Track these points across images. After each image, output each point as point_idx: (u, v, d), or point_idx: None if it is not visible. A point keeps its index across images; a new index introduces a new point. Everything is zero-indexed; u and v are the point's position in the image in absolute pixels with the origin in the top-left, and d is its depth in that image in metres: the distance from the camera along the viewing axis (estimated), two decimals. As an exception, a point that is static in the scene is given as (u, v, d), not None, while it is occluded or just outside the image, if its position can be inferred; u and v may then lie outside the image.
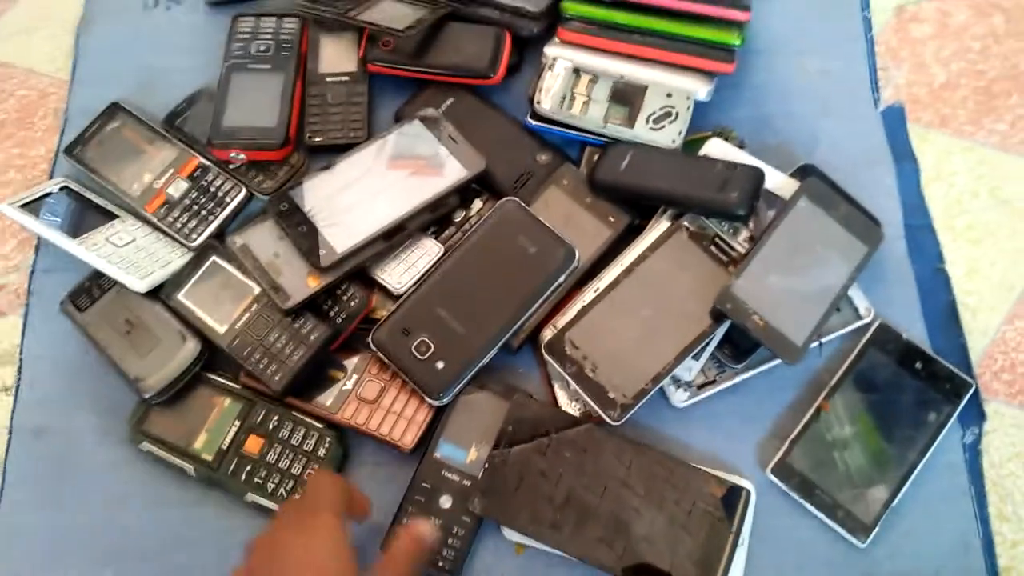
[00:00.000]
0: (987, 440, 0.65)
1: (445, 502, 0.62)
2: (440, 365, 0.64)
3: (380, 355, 0.65)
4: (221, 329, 0.66)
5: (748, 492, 0.61)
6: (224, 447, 0.64)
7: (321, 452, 0.64)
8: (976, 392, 0.65)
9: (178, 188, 0.72)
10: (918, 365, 0.65)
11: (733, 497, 0.60)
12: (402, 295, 0.67)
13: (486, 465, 0.61)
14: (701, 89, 0.73)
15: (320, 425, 0.65)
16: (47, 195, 0.71)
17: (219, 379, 0.67)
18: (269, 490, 0.63)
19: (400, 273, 0.68)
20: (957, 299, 0.69)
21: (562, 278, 0.66)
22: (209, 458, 0.64)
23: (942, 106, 0.77)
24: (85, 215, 0.71)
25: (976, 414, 0.66)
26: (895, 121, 0.76)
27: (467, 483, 0.62)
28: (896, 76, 0.79)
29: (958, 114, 0.77)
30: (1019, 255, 0.71)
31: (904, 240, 0.71)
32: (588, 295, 0.66)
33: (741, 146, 0.72)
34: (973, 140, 0.76)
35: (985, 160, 0.75)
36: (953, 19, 0.81)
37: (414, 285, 0.67)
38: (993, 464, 0.64)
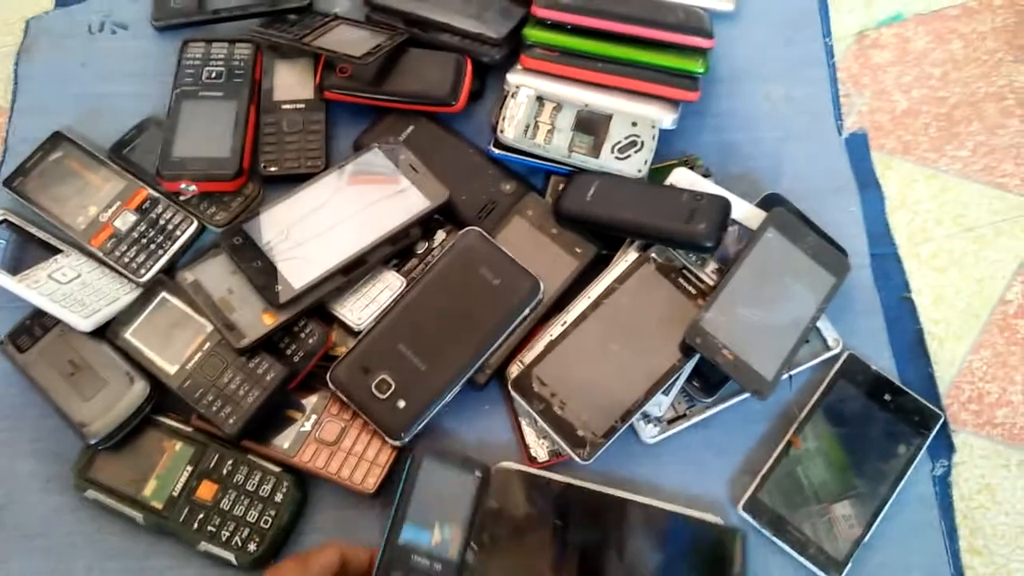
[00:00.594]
0: (956, 472, 0.65)
1: None
2: (401, 404, 0.61)
3: (339, 394, 0.62)
4: (171, 369, 0.63)
5: (744, 535, 0.60)
6: (175, 494, 0.61)
7: (278, 497, 0.61)
8: (945, 423, 0.65)
9: (125, 221, 0.69)
10: (887, 397, 0.65)
11: (729, 540, 0.59)
12: (362, 331, 0.64)
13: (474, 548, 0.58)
14: (666, 117, 0.72)
15: (277, 469, 0.62)
16: (-15, 229, 0.68)
17: (169, 422, 0.64)
18: (223, 539, 0.60)
19: (360, 308, 0.66)
20: (924, 328, 0.69)
21: (527, 311, 0.64)
22: (159, 506, 0.61)
23: (904, 133, 0.77)
24: (26, 250, 0.68)
25: (945, 446, 0.65)
26: (859, 148, 0.76)
27: (437, 566, 0.57)
28: (858, 103, 0.79)
29: (920, 141, 0.77)
30: (983, 283, 0.71)
31: (870, 268, 0.71)
32: (555, 329, 0.64)
33: (707, 174, 0.71)
34: (936, 167, 0.76)
35: (948, 187, 0.75)
36: (912, 45, 0.81)
37: (375, 320, 0.65)
38: (963, 496, 0.64)
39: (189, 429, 0.63)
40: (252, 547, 0.60)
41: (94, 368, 0.63)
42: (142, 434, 0.63)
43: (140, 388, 0.62)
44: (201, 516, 0.61)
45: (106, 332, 0.64)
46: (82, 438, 0.61)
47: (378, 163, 0.70)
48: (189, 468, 0.62)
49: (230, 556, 0.60)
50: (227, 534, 0.60)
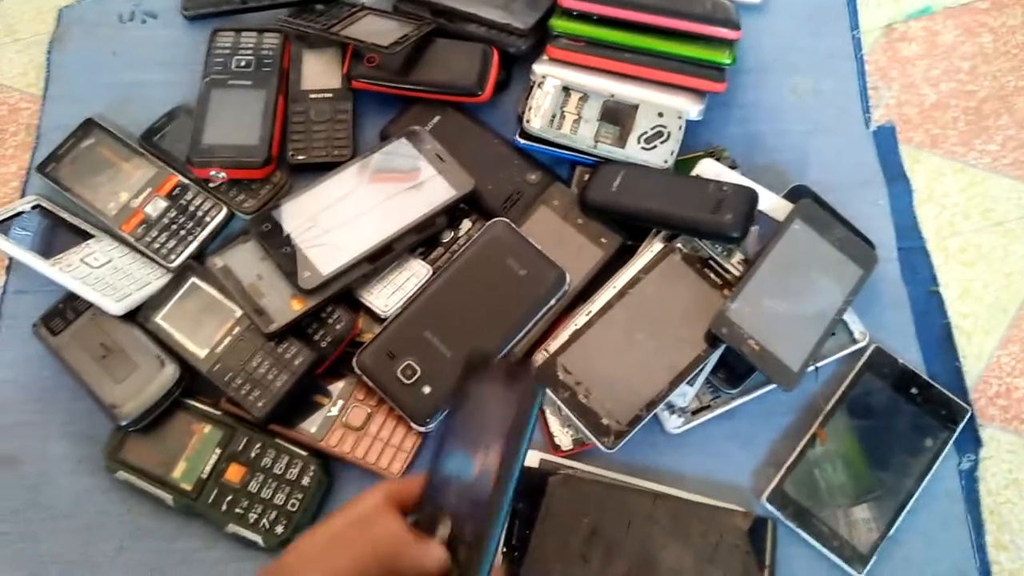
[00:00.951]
0: (983, 467, 0.64)
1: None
2: (427, 390, 0.62)
3: (365, 379, 0.63)
4: (201, 353, 0.63)
5: (775, 524, 0.60)
6: (204, 476, 0.62)
7: (305, 481, 0.62)
8: (972, 418, 0.65)
9: (156, 207, 0.70)
10: (914, 390, 0.65)
11: (760, 529, 0.59)
12: (388, 318, 0.65)
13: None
14: (692, 108, 0.72)
15: (304, 453, 0.62)
16: (19, 214, 0.69)
17: (199, 405, 0.64)
18: (251, 521, 0.61)
19: (387, 295, 0.66)
20: (952, 322, 0.69)
21: (552, 301, 0.65)
22: (188, 488, 0.62)
23: (932, 126, 0.77)
24: (58, 235, 0.69)
25: (972, 440, 0.65)
26: (887, 141, 0.76)
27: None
28: (886, 96, 0.78)
29: (949, 135, 0.76)
30: (1012, 277, 0.70)
31: (897, 262, 0.71)
32: (580, 319, 0.64)
33: (733, 166, 0.71)
34: (964, 161, 0.75)
35: (976, 181, 0.74)
36: (941, 38, 0.81)
37: (401, 307, 0.65)
38: (990, 491, 0.64)
39: (218, 413, 0.64)
40: (279, 529, 0.60)
41: (126, 351, 0.64)
42: (172, 417, 0.64)
43: (171, 371, 0.63)
44: (229, 498, 0.61)
45: (137, 316, 0.65)
46: (113, 420, 0.62)
47: (405, 152, 0.70)
48: (218, 451, 0.63)
49: (257, 538, 0.60)
50: (255, 516, 0.61)
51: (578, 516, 0.59)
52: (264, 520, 0.61)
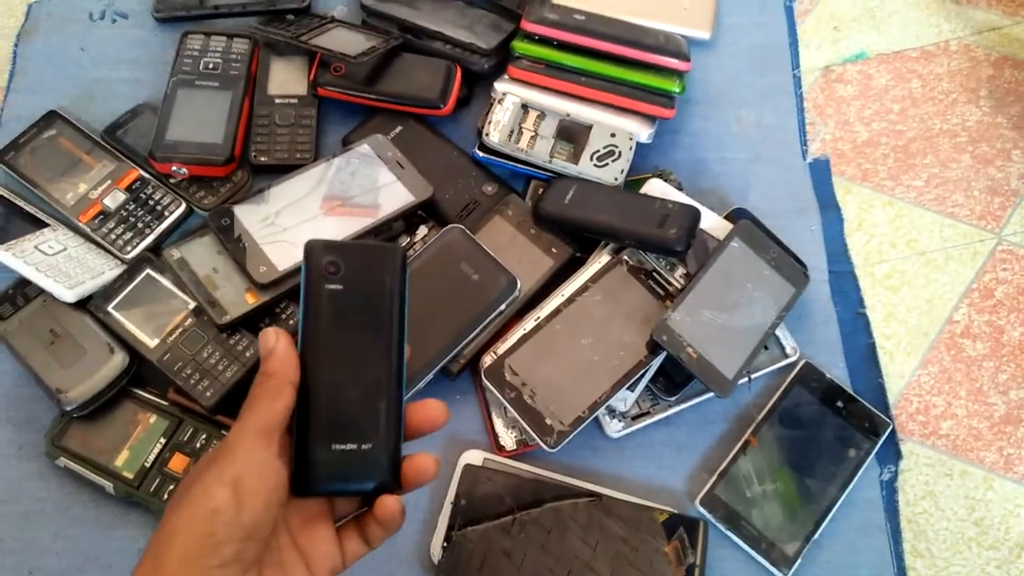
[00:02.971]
0: (903, 478, 0.68)
1: None
2: (376, 387, 0.63)
3: (316, 376, 0.64)
4: (152, 343, 0.64)
5: (706, 526, 0.62)
6: (147, 465, 0.62)
7: None
8: (893, 432, 0.69)
9: (115, 199, 0.71)
10: (840, 404, 0.68)
11: (691, 531, 0.61)
12: (342, 316, 0.66)
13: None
14: (643, 131, 0.76)
15: None
16: (-27, 200, 0.69)
17: (146, 395, 0.65)
18: None
19: (341, 294, 0.67)
20: (876, 342, 0.73)
21: (503, 306, 0.67)
22: (130, 476, 0.62)
23: (864, 161, 0.82)
24: (14, 222, 0.69)
25: (893, 453, 0.68)
26: (821, 173, 0.81)
27: None
28: (823, 131, 0.84)
29: (879, 170, 0.82)
30: (933, 303, 0.75)
31: (828, 284, 0.75)
32: (529, 323, 0.67)
33: (679, 188, 0.75)
34: (892, 195, 0.81)
35: (903, 213, 0.79)
36: (875, 81, 0.87)
37: (354, 307, 0.67)
38: (908, 502, 0.67)
39: (165, 403, 0.64)
40: None
41: (75, 338, 0.64)
42: (118, 405, 0.64)
43: (120, 359, 0.63)
44: (172, 488, 0.61)
45: (88, 305, 0.65)
46: (58, 404, 0.62)
47: (367, 158, 0.72)
48: (163, 440, 0.63)
49: None
50: None
51: (516, 562, 0.60)
52: None
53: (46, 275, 0.64)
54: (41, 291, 0.65)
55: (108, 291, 0.66)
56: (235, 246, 0.66)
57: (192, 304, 0.65)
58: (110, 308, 0.65)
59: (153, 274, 0.67)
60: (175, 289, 0.66)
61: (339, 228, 0.68)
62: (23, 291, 0.66)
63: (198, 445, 0.63)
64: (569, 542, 0.61)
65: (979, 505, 0.67)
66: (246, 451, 0.39)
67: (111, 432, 0.63)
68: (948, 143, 0.83)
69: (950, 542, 0.66)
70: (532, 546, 0.60)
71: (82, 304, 0.65)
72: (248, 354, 0.63)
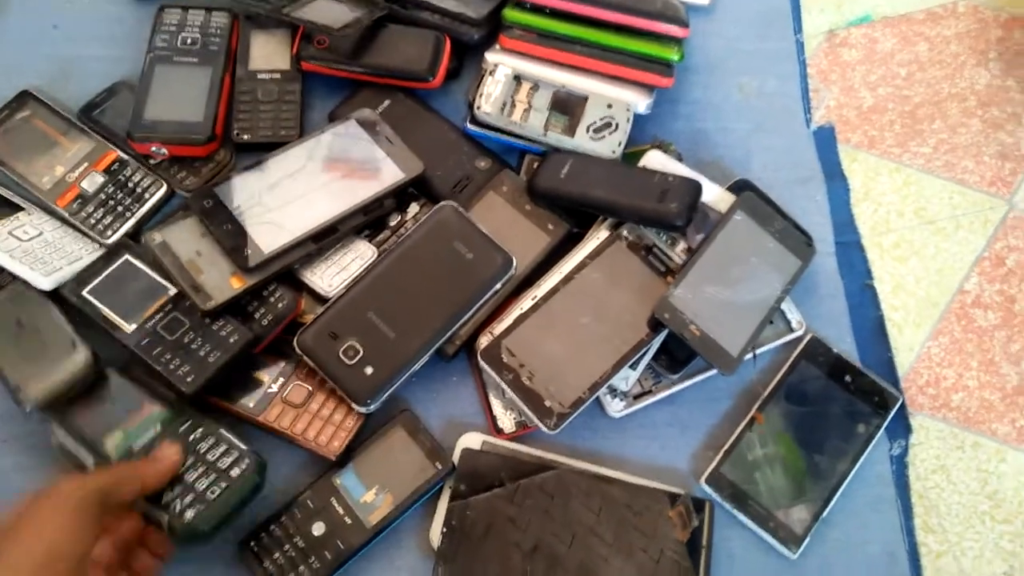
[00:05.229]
0: (913, 453, 0.66)
1: (317, 529, 0.58)
2: (369, 370, 0.61)
3: (306, 359, 0.62)
4: (128, 327, 0.61)
5: (712, 505, 0.60)
6: (135, 450, 0.59)
7: (234, 472, 0.57)
8: (903, 406, 0.67)
9: (93, 182, 0.68)
10: (848, 378, 0.66)
11: (696, 541, 0.59)
12: (331, 298, 0.64)
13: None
14: (641, 102, 0.73)
15: (244, 447, 0.59)
16: (-55, 185, 0.66)
17: (156, 384, 0.61)
18: (163, 501, 0.58)
19: (331, 275, 0.65)
20: (884, 315, 0.71)
21: (498, 285, 0.64)
22: (114, 458, 0.59)
23: (870, 128, 0.79)
24: (-12, 205, 0.67)
25: (903, 427, 0.67)
26: (826, 141, 0.78)
27: (348, 520, 0.58)
28: (827, 98, 0.81)
29: (885, 136, 0.79)
30: (942, 273, 0.73)
31: (834, 256, 0.73)
32: (526, 303, 0.64)
33: (679, 159, 0.72)
34: (899, 162, 0.78)
35: (911, 181, 0.77)
36: (880, 45, 0.84)
37: (345, 288, 0.64)
38: (919, 476, 0.65)
39: (173, 395, 0.61)
40: (189, 514, 0.56)
41: (39, 330, 0.61)
42: (126, 388, 0.61)
43: (82, 356, 0.59)
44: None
45: (62, 289, 0.62)
46: (17, 404, 0.59)
47: (354, 134, 0.70)
48: (159, 428, 0.60)
49: (163, 518, 0.56)
50: (169, 497, 0.56)
51: (521, 528, 0.59)
52: (177, 502, 0.57)
53: (21, 262, 0.62)
54: (12, 278, 0.63)
55: (83, 275, 0.63)
56: (219, 229, 0.63)
57: (173, 290, 0.63)
58: (84, 292, 0.62)
59: (132, 260, 0.64)
60: (155, 275, 0.63)
61: (328, 207, 0.65)
62: (-4, 277, 0.64)
63: (191, 438, 0.59)
64: (572, 508, 0.59)
65: (992, 478, 0.66)
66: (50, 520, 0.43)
67: (112, 411, 0.60)
68: (957, 108, 0.81)
69: (962, 516, 0.65)
70: (536, 512, 0.59)
71: (54, 294, 0.62)
72: (232, 340, 0.61)
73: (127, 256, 0.64)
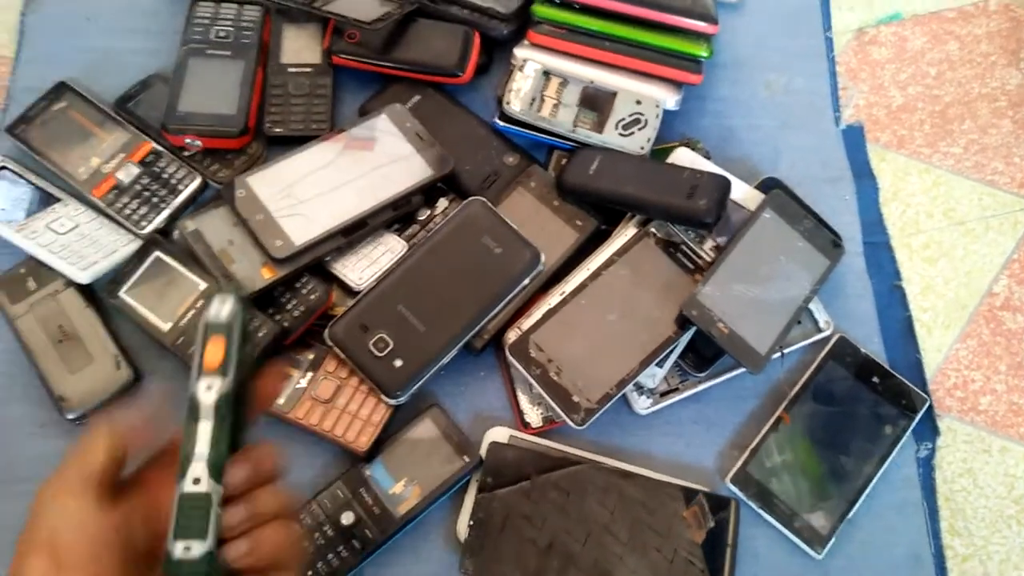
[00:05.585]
0: (940, 455, 0.66)
1: (346, 518, 0.59)
2: (398, 363, 0.62)
3: (336, 351, 0.63)
4: (165, 327, 0.63)
5: (738, 504, 0.61)
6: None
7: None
8: (930, 408, 0.66)
9: (128, 173, 0.69)
10: (875, 379, 0.66)
11: (723, 509, 0.60)
12: (361, 291, 0.65)
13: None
14: (669, 98, 0.73)
15: None
16: (-17, 175, 0.67)
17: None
18: None
19: (361, 269, 0.66)
20: (913, 316, 0.71)
21: (527, 280, 0.65)
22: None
23: (899, 127, 0.79)
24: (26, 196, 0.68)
25: (930, 429, 0.66)
26: (855, 140, 0.78)
27: (377, 511, 0.59)
28: (856, 96, 0.81)
29: (915, 136, 0.79)
30: (971, 275, 0.73)
31: (863, 256, 0.72)
32: (554, 298, 0.65)
33: (707, 157, 0.72)
34: (929, 162, 0.77)
35: (940, 182, 0.77)
36: (910, 44, 0.83)
37: (375, 281, 0.65)
38: (946, 479, 0.65)
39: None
40: None
41: (83, 341, 0.63)
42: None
43: (125, 375, 0.63)
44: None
45: (103, 291, 0.64)
46: (60, 412, 0.61)
47: (384, 129, 0.70)
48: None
49: None
50: None
51: (536, 525, 0.59)
52: None
53: (59, 256, 0.63)
54: (54, 276, 0.64)
55: (119, 276, 0.64)
56: (251, 219, 0.64)
57: (203, 285, 0.63)
58: (122, 293, 0.64)
59: (162, 256, 0.65)
60: (185, 270, 0.64)
61: (357, 201, 0.66)
62: (36, 272, 0.65)
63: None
64: (587, 506, 0.60)
65: (1019, 483, 0.65)
66: (56, 508, 0.35)
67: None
68: (987, 108, 0.80)
69: (989, 520, 0.64)
70: (551, 509, 0.59)
71: (93, 299, 0.65)
72: (260, 334, 0.61)
73: (157, 253, 0.65)
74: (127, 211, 0.67)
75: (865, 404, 0.65)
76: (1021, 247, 0.74)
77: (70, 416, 0.61)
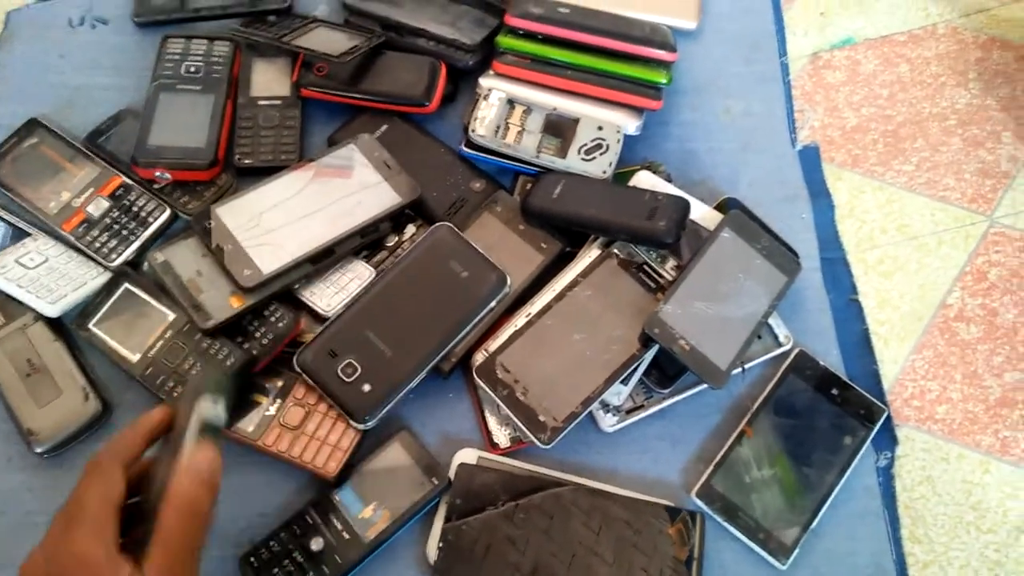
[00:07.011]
0: (899, 464, 0.67)
1: (316, 544, 0.59)
2: (367, 388, 0.62)
3: (305, 376, 0.63)
4: (134, 358, 0.63)
5: (703, 518, 0.62)
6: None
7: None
8: (889, 418, 0.68)
9: (98, 207, 0.70)
10: (835, 391, 0.68)
11: (689, 522, 0.61)
12: (330, 318, 0.66)
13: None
14: (630, 124, 0.75)
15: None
16: (-46, 212, 0.68)
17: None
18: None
19: (329, 295, 0.67)
20: (870, 328, 0.73)
21: (493, 303, 0.66)
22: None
23: (853, 147, 0.82)
24: (-4, 232, 0.69)
25: (889, 439, 0.68)
26: (811, 160, 0.80)
27: (346, 536, 0.59)
28: (811, 118, 0.83)
29: (868, 155, 0.81)
30: (925, 288, 0.75)
31: (820, 272, 0.74)
32: (520, 320, 0.66)
33: (668, 179, 0.74)
34: (882, 180, 0.80)
35: (894, 199, 0.79)
36: (863, 67, 0.86)
37: (344, 307, 0.66)
38: (905, 487, 0.67)
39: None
40: None
41: (51, 374, 0.64)
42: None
43: (93, 407, 0.63)
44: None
45: (71, 324, 0.65)
46: (28, 445, 0.62)
47: (353, 158, 0.72)
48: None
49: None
50: None
51: (520, 548, 0.60)
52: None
53: (28, 291, 0.64)
54: (22, 311, 0.65)
55: (88, 309, 0.65)
56: (219, 249, 0.65)
57: (171, 315, 0.65)
58: (91, 326, 0.64)
59: (131, 287, 0.66)
60: (154, 302, 0.65)
61: (325, 230, 0.67)
62: (3, 307, 0.66)
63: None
64: (572, 527, 0.60)
65: (976, 489, 0.67)
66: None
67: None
68: (938, 127, 0.83)
69: (948, 527, 0.66)
70: (535, 532, 0.60)
71: (61, 332, 0.66)
72: (228, 363, 0.62)
73: (126, 285, 0.66)
74: (97, 244, 0.68)
75: (825, 416, 0.67)
76: (973, 260, 0.76)
77: (38, 450, 0.61)
